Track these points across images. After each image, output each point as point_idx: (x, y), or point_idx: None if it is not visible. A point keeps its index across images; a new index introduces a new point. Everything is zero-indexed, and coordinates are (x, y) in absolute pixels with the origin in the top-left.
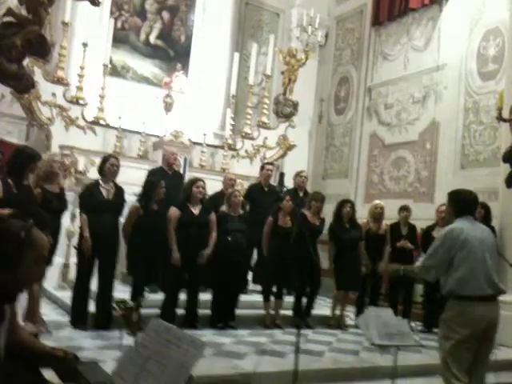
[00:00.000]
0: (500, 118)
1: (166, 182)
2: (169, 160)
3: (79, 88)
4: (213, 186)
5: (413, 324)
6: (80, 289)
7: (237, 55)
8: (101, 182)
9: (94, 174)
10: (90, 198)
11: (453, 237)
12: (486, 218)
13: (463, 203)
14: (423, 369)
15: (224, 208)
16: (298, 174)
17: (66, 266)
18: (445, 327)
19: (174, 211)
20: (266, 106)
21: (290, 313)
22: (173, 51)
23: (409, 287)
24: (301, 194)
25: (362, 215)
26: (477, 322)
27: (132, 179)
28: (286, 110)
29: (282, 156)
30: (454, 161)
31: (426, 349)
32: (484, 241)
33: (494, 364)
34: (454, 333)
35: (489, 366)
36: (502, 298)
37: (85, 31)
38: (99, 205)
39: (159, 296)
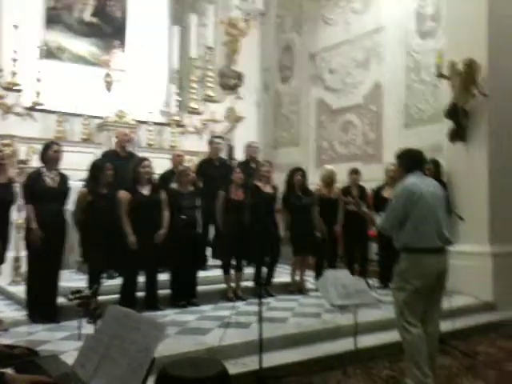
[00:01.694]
0: (440, 76)
1: (120, 164)
2: (122, 142)
3: (13, 73)
4: (163, 164)
5: (370, 281)
6: (33, 282)
7: (176, 28)
8: (44, 169)
9: (36, 163)
10: (33, 187)
11: (409, 192)
12: (437, 174)
13: (411, 160)
14: (383, 323)
15: (174, 185)
16: (248, 145)
17: (17, 259)
18: (398, 279)
19: (123, 194)
20: (210, 80)
21: (251, 284)
22: (109, 28)
23: (363, 247)
24: (253, 165)
25: (315, 182)
26: (429, 273)
27: (77, 164)
28: (231, 82)
29: (231, 129)
30: (398, 120)
31: (384, 304)
32: (435, 195)
33: (449, 311)
34: (407, 284)
35: (445, 314)
36: (453, 248)
37: (15, 13)
38: (44, 193)
39: (117, 281)
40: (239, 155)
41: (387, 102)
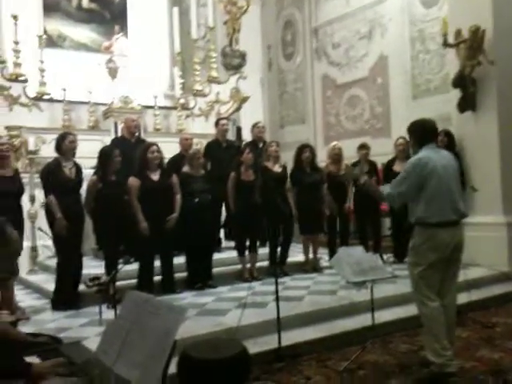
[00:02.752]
0: (446, 44)
1: (129, 150)
2: (129, 128)
3: (16, 64)
4: (171, 148)
5: (384, 257)
6: (63, 270)
7: (176, 9)
8: (61, 160)
9: (45, 152)
10: (54, 179)
11: (421, 165)
12: (450, 145)
13: (424, 132)
14: (399, 298)
15: (186, 169)
16: (254, 126)
17: (33, 249)
18: (414, 254)
19: (133, 181)
20: (213, 60)
21: (266, 264)
22: (108, 13)
23: (376, 222)
24: (260, 146)
25: (323, 159)
26: (444, 246)
27: (87, 152)
28: (234, 62)
29: (237, 109)
30: (405, 92)
31: (399, 279)
32: (449, 168)
33: (465, 283)
34: (423, 258)
35: (461, 285)
36: (467, 220)
37: (13, 3)
38: (63, 184)
39: (134, 266)
40: (247, 135)
41: (393, 74)
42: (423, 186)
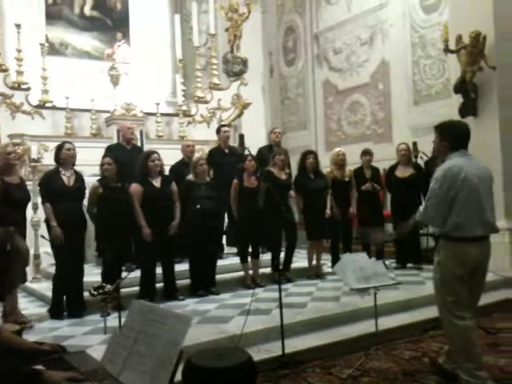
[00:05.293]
0: (447, 50)
1: (125, 157)
2: (126, 135)
3: (19, 72)
4: (173, 155)
5: (387, 262)
6: (60, 279)
7: (177, 17)
8: (60, 169)
9: (48, 160)
10: (50, 186)
11: (452, 176)
12: None
13: (457, 135)
14: (402, 304)
15: (190, 177)
16: (271, 131)
17: (36, 257)
18: (440, 270)
19: (135, 187)
20: (214, 67)
21: (268, 270)
22: (110, 21)
23: (379, 227)
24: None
25: (325, 164)
26: (471, 262)
27: (89, 159)
28: (235, 68)
29: (239, 115)
30: (407, 98)
31: (402, 285)
32: (482, 178)
33: None
34: (450, 274)
35: None
36: None
37: (16, 11)
38: (61, 192)
39: (136, 274)
40: (250, 142)
41: (394, 80)
42: (454, 198)
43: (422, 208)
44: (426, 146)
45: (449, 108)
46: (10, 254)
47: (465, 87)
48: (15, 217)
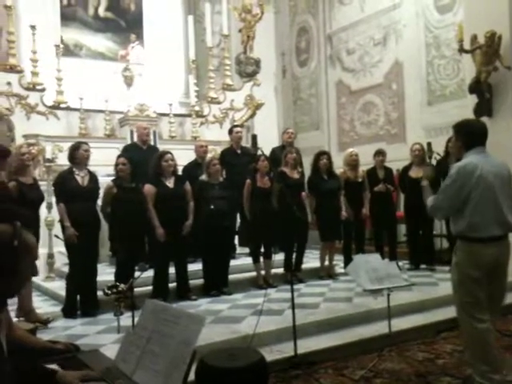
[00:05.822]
0: (462, 50)
1: (141, 158)
2: (141, 136)
3: (34, 73)
4: (186, 155)
5: (400, 263)
6: (74, 278)
7: (191, 18)
8: (74, 169)
9: (62, 160)
10: (65, 187)
11: (466, 173)
12: None
13: (472, 134)
14: (416, 306)
15: (204, 177)
16: (284, 132)
17: (50, 256)
18: (457, 271)
19: (149, 188)
20: (227, 68)
21: (281, 270)
22: (124, 22)
23: (392, 228)
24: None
25: (338, 164)
26: (487, 263)
27: (103, 160)
28: (248, 69)
29: (252, 116)
30: (421, 98)
31: (415, 286)
32: (499, 176)
33: None
34: (467, 275)
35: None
36: None
37: (31, 13)
38: (75, 193)
39: (149, 273)
40: (263, 143)
41: (408, 80)
42: (468, 196)
43: (431, 199)
44: (440, 146)
45: (463, 108)
46: (18, 249)
47: (480, 87)
48: (29, 216)
